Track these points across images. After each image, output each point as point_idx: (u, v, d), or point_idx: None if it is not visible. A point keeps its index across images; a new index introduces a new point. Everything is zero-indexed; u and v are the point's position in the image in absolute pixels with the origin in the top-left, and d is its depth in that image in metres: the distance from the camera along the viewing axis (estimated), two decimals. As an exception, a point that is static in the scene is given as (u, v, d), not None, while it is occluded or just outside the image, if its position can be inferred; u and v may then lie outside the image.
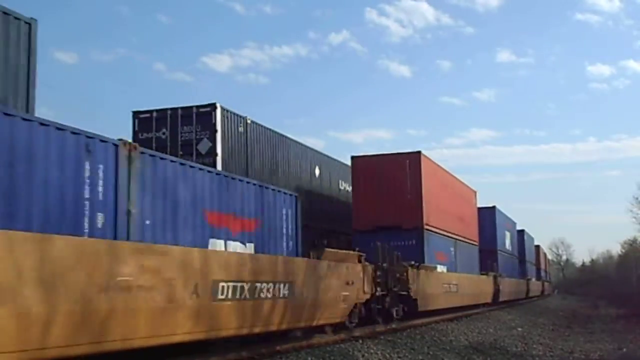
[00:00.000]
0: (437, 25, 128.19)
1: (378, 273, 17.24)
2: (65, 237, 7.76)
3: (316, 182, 23.77)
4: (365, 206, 21.22)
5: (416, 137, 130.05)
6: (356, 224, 21.20)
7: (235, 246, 11.38)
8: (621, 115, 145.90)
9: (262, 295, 11.23)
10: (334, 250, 15.43)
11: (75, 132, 8.41)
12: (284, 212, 13.22)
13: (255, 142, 18.95)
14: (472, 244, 29.54)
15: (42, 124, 7.99)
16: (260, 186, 12.62)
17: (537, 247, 62.91)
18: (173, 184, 10.09)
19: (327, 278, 14.02)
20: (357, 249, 17.11)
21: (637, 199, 50.64)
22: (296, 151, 22.30)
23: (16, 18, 10.71)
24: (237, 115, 17.93)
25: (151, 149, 12.37)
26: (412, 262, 19.46)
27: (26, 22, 10.97)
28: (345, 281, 14.92)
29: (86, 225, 8.40)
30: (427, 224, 21.48)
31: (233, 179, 11.79)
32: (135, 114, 17.15)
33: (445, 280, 23.43)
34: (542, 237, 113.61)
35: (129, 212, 9.09)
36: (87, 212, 8.44)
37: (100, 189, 8.69)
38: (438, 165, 24.55)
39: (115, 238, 8.73)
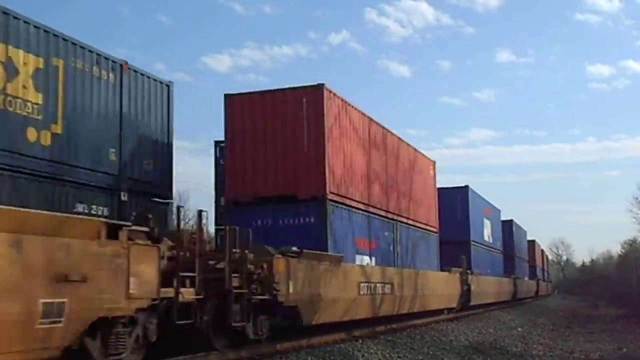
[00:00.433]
0: (437, 25, 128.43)
1: (168, 257, 9.22)
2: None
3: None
4: (242, 167, 14.96)
5: (416, 137, 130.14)
6: (229, 192, 15.00)
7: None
8: (621, 115, 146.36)
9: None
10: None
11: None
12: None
13: None
14: (428, 231, 22.90)
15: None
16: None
17: (532, 242, 58.86)
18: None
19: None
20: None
21: (637, 199, 50.76)
22: None
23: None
24: None
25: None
26: (293, 249, 12.16)
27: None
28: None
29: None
30: (333, 193, 14.75)
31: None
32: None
33: (364, 278, 15.20)
34: (542, 237, 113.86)
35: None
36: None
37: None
38: (363, 113, 17.18)
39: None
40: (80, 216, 9.91)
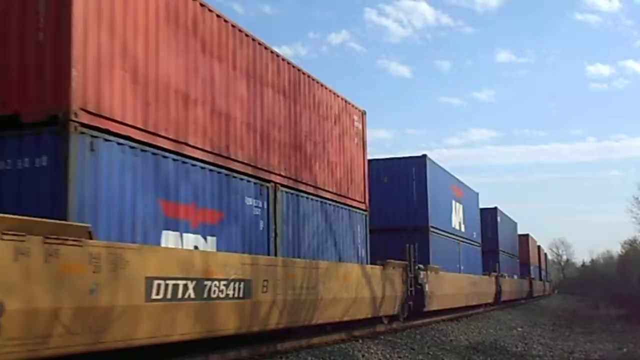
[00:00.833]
0: (437, 26, 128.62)
1: None
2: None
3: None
4: None
5: (416, 137, 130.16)
6: None
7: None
8: (621, 115, 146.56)
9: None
10: None
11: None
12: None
13: None
14: (347, 207, 15.51)
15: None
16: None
17: (525, 236, 51.69)
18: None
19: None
20: None
21: (637, 199, 50.90)
22: None
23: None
24: None
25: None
26: None
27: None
28: None
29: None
30: (93, 113, 7.80)
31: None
32: None
33: (155, 272, 7.87)
34: (542, 237, 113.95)
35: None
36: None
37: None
38: None
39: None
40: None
